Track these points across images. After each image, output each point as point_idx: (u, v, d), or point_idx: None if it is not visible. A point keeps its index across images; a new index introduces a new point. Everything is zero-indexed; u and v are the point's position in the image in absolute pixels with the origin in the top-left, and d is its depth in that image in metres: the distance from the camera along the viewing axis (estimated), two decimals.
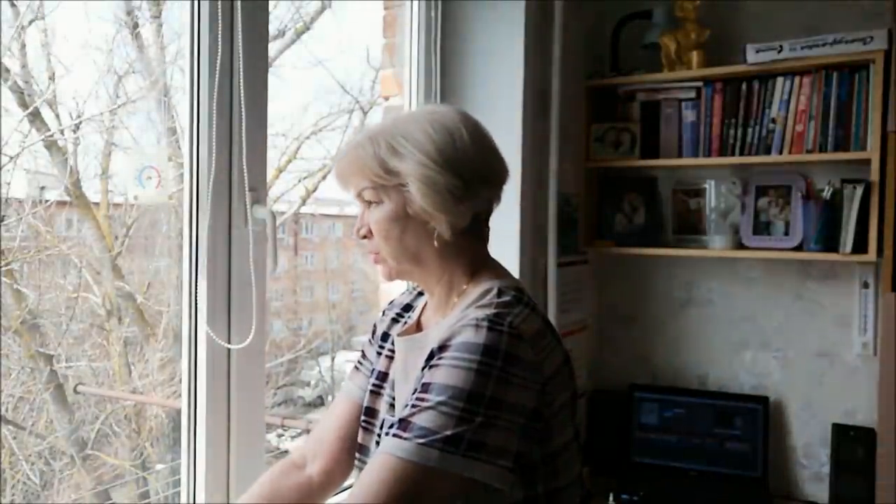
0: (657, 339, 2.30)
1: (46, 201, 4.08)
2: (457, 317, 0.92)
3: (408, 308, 1.13)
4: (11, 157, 3.82)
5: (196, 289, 1.28)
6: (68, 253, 4.41)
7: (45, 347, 4.20)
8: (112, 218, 4.54)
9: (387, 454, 0.82)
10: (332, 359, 7.79)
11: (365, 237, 1.01)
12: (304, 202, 6.03)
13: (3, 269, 3.89)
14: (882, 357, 1.81)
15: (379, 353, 1.10)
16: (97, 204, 4.45)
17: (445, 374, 0.84)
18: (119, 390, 4.63)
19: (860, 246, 1.83)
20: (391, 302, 1.17)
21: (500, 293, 0.93)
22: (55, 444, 4.19)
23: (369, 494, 0.80)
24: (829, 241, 1.88)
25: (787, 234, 2.01)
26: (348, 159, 0.99)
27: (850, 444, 1.94)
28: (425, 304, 1.08)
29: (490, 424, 0.82)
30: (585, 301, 2.29)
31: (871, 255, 1.81)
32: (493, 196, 1.01)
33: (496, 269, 1.02)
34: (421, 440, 0.81)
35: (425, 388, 0.85)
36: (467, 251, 1.00)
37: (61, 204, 4.25)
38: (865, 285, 1.99)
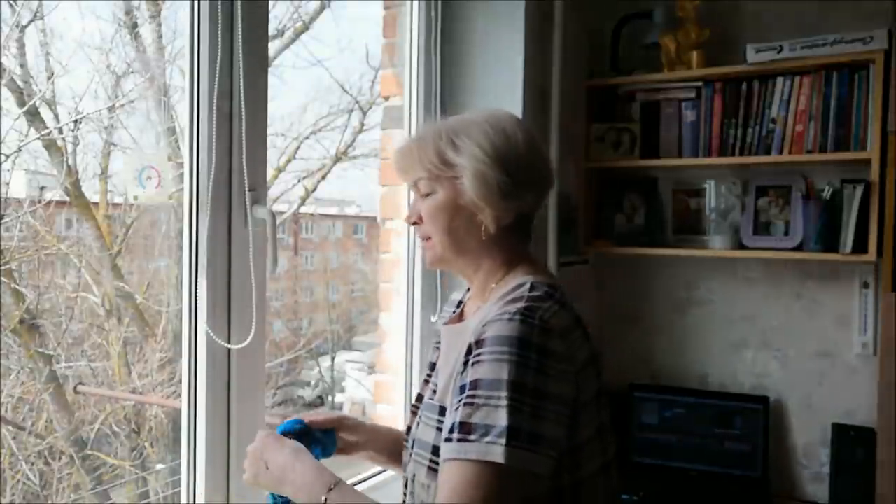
0: (657, 339, 2.30)
1: (46, 201, 4.07)
2: (490, 308, 0.97)
3: (459, 304, 1.18)
4: (9, 156, 3.81)
5: (196, 289, 1.28)
6: (68, 253, 4.41)
7: (45, 347, 4.20)
8: (112, 218, 4.54)
9: (458, 461, 0.85)
10: (332, 359, 7.79)
11: (415, 223, 1.08)
12: (303, 202, 6.03)
13: (3, 268, 3.88)
14: (882, 357, 1.82)
15: (435, 349, 1.15)
16: (96, 204, 4.44)
17: (487, 369, 0.87)
18: (119, 390, 4.63)
19: (860, 246, 1.83)
20: (448, 301, 1.23)
21: (532, 287, 0.96)
22: (55, 444, 4.19)
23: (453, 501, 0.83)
24: (829, 241, 1.88)
25: (787, 234, 2.01)
26: (410, 150, 1.05)
27: (850, 444, 1.94)
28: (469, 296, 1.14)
29: (539, 415, 0.86)
30: (585, 301, 2.29)
31: (871, 255, 1.81)
32: (538, 200, 1.06)
33: (534, 265, 1.06)
34: (486, 438, 0.84)
35: (474, 385, 0.88)
36: (507, 247, 1.05)
37: (60, 204, 4.24)
38: (865, 285, 1.99)
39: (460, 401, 0.89)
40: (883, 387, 1.80)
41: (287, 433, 1.08)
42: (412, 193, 1.09)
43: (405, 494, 1.05)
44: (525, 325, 0.89)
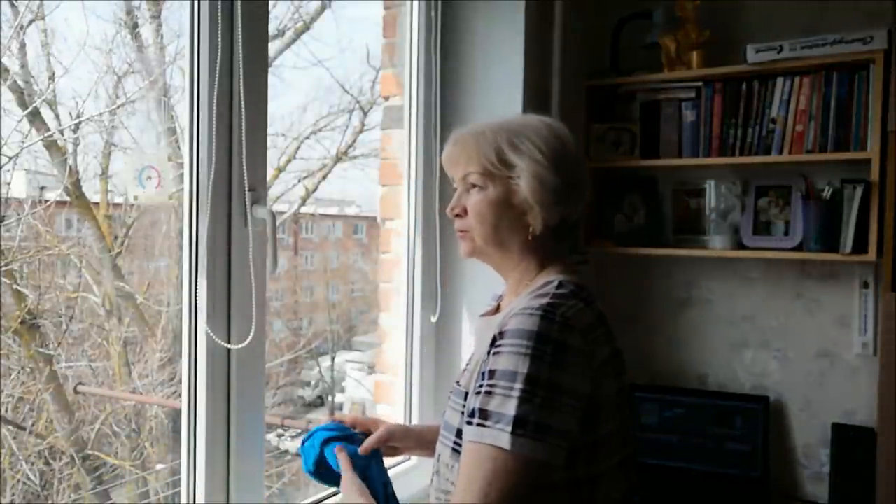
0: (657, 339, 2.30)
1: (46, 201, 4.07)
2: (519, 302, 1.02)
3: (500, 299, 1.22)
4: (11, 158, 3.82)
5: (196, 289, 1.28)
6: (68, 253, 4.41)
7: (45, 347, 4.20)
8: (112, 218, 4.54)
9: (471, 443, 0.93)
10: (332, 359, 7.79)
11: (458, 216, 1.11)
12: (304, 202, 6.03)
13: (3, 269, 3.89)
14: (882, 357, 1.81)
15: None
16: (97, 204, 4.45)
17: (505, 360, 0.93)
18: (119, 390, 4.63)
19: (860, 246, 1.83)
20: (493, 295, 1.26)
21: (560, 285, 1.01)
22: (55, 444, 4.19)
23: (465, 486, 0.92)
24: (829, 241, 1.88)
25: (787, 234, 2.01)
26: (466, 143, 1.09)
27: (850, 444, 1.94)
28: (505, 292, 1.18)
29: (549, 406, 0.91)
30: None
31: (871, 255, 1.81)
32: (580, 204, 1.11)
33: (565, 265, 1.10)
34: (498, 425, 0.90)
35: (492, 374, 0.94)
36: (547, 249, 1.10)
37: (61, 204, 4.24)
38: (865, 285, 1.99)
39: (481, 386, 0.95)
40: (883, 387, 1.80)
41: (332, 439, 1.18)
42: (457, 187, 1.12)
43: (434, 473, 1.11)
44: (545, 320, 0.93)
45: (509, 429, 0.89)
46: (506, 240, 1.08)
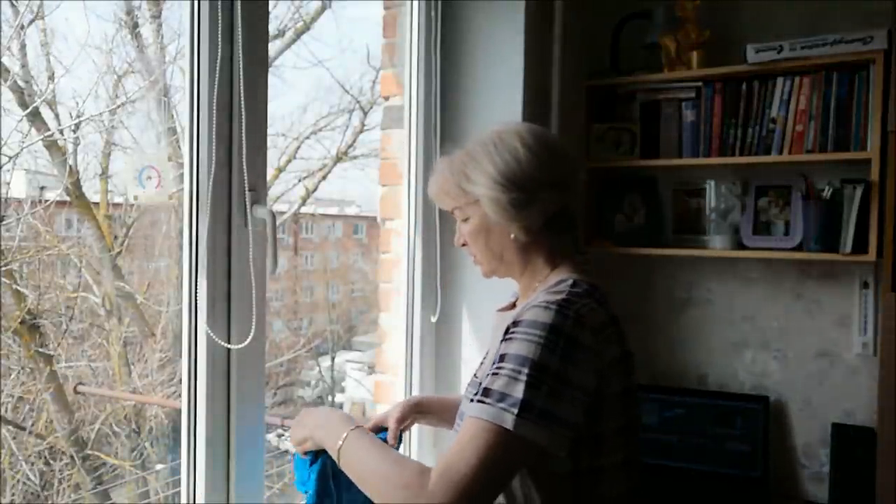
0: (657, 339, 2.30)
1: (46, 201, 4.08)
2: (533, 298, 1.06)
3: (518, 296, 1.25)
4: (11, 157, 3.82)
5: (196, 289, 1.28)
6: (68, 253, 4.42)
7: (45, 347, 4.20)
8: (112, 218, 4.54)
9: (472, 418, 0.95)
10: (332, 359, 7.79)
11: (464, 244, 1.19)
12: (304, 202, 6.03)
13: (3, 269, 3.89)
14: (882, 357, 1.81)
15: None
16: (97, 204, 4.45)
17: (517, 346, 0.97)
18: (119, 390, 4.64)
19: (860, 246, 1.83)
20: (512, 292, 1.28)
21: (574, 284, 1.06)
22: (55, 444, 4.19)
23: (456, 451, 0.93)
24: (829, 241, 1.88)
25: (787, 234, 2.01)
26: (437, 185, 1.18)
27: (850, 444, 1.94)
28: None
29: (556, 395, 0.94)
30: None
31: (871, 255, 1.81)
32: (564, 195, 1.13)
33: (577, 264, 1.15)
34: (500, 404, 0.93)
35: (502, 358, 0.98)
36: (546, 245, 1.14)
37: (61, 204, 4.25)
38: (865, 285, 1.99)
39: (490, 370, 0.98)
40: (883, 387, 1.80)
41: None
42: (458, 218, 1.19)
43: None
44: (560, 315, 0.97)
45: (515, 410, 0.91)
46: (503, 254, 1.14)
